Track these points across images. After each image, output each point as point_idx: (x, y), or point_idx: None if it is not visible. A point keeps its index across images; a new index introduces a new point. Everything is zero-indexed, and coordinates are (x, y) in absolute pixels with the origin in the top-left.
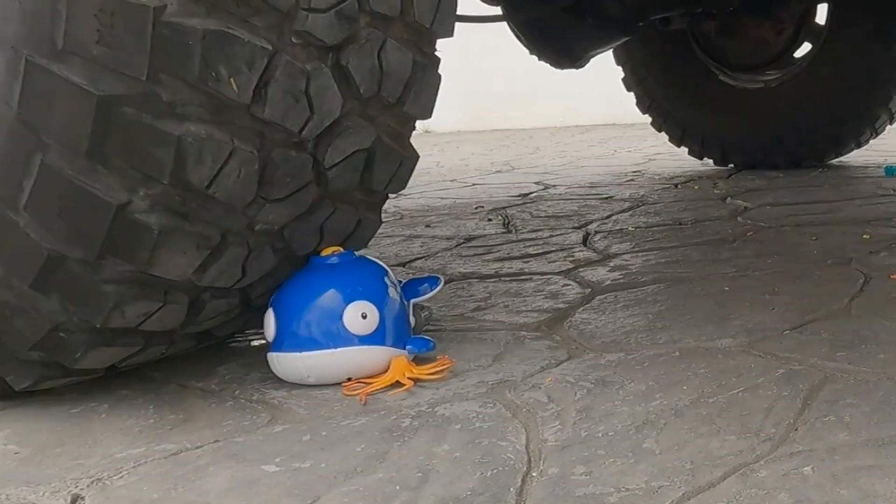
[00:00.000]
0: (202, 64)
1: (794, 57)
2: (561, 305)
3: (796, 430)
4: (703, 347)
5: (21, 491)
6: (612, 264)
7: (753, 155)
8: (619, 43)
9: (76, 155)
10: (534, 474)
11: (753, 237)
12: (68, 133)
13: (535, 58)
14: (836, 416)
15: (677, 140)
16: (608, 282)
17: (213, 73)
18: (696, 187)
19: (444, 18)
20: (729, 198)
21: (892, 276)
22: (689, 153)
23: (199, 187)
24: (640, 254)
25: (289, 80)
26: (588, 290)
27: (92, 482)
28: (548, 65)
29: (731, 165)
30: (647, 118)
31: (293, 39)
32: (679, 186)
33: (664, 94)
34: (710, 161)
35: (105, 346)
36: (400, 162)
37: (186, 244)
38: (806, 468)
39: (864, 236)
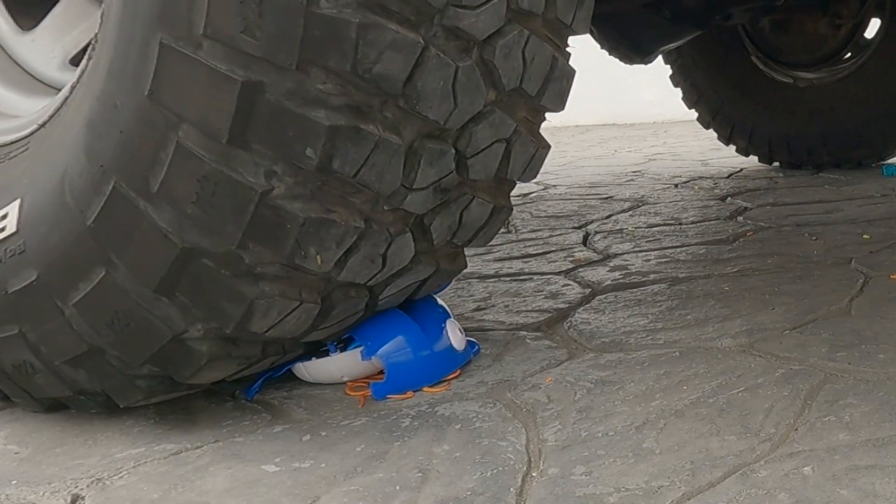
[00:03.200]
0: (354, 54)
1: (849, 55)
2: (561, 305)
3: (796, 430)
4: (703, 347)
5: (21, 491)
6: (612, 264)
7: (800, 154)
8: (689, 38)
9: (216, 140)
10: (534, 474)
11: (753, 237)
12: (207, 116)
13: None
14: (836, 416)
15: (725, 137)
16: (608, 282)
17: (363, 66)
18: (696, 187)
19: (583, 16)
20: (729, 198)
21: (892, 276)
22: (737, 150)
23: (346, 175)
24: (640, 254)
25: (436, 73)
26: (588, 290)
27: (92, 482)
28: (618, 60)
29: (777, 164)
30: (647, 119)
31: (442, 33)
32: (679, 186)
33: (713, 91)
34: (756, 158)
35: (226, 357)
36: (534, 152)
37: (330, 233)
38: (806, 468)
39: (864, 236)
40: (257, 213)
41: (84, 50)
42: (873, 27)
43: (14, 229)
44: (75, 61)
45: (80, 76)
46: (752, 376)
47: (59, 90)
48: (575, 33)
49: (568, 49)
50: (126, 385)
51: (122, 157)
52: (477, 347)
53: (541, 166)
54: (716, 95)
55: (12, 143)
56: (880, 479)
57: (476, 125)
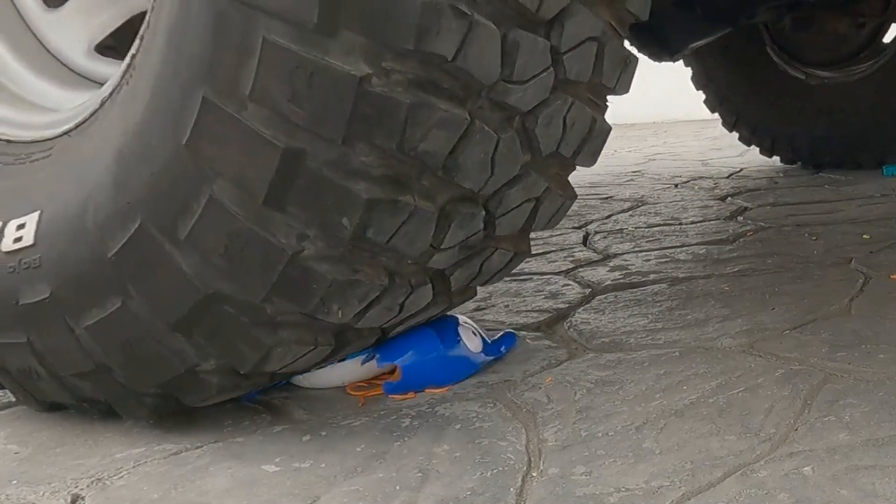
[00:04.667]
0: (402, 133)
1: (873, 53)
2: (561, 305)
3: (796, 430)
4: (703, 347)
5: (21, 491)
6: (612, 264)
7: (819, 154)
8: (718, 35)
9: (251, 199)
10: (534, 474)
11: (753, 237)
12: (244, 176)
13: None
14: (836, 416)
15: (746, 139)
16: (608, 282)
17: (410, 144)
18: (696, 187)
19: (627, 79)
20: (729, 198)
21: (892, 276)
22: (760, 152)
23: (378, 242)
24: (640, 254)
25: (478, 146)
26: (588, 290)
27: (92, 482)
28: (646, 57)
29: (799, 163)
30: (647, 119)
31: (488, 105)
32: (679, 186)
33: (735, 92)
34: (778, 158)
35: (234, 387)
36: (561, 204)
37: (356, 292)
38: (806, 468)
39: (864, 236)
40: (285, 272)
41: (112, 36)
42: (891, 33)
43: (31, 242)
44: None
45: (112, 92)
46: (752, 376)
47: (83, 79)
48: (616, 94)
49: (607, 105)
50: (132, 401)
51: (152, 199)
52: (511, 342)
53: (564, 216)
54: (737, 97)
55: (34, 142)
56: (880, 479)
57: (510, 188)
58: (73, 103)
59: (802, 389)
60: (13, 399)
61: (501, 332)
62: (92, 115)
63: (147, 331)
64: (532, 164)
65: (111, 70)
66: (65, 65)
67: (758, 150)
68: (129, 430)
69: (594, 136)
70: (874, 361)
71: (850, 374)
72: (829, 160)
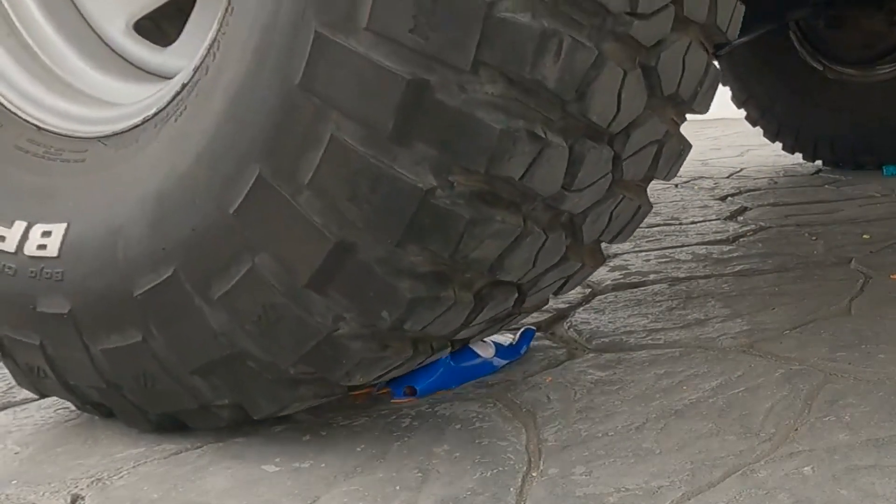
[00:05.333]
0: (457, 244)
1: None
2: (561, 305)
3: (796, 430)
4: (703, 347)
5: (21, 491)
6: (612, 264)
7: (843, 153)
8: (761, 32)
9: (292, 278)
10: (534, 474)
11: (754, 237)
12: (290, 257)
13: None
14: (836, 416)
15: (772, 135)
16: (608, 282)
17: (462, 253)
18: (696, 187)
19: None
20: (729, 198)
21: (892, 276)
22: (783, 148)
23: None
24: (640, 254)
25: (529, 246)
26: (588, 290)
27: (92, 482)
28: None
29: (820, 162)
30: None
31: (542, 208)
32: (679, 186)
33: (762, 89)
34: (800, 156)
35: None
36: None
37: (381, 364)
38: (806, 468)
39: (864, 236)
40: (317, 346)
41: (150, 18)
42: None
43: (55, 254)
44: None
45: (157, 114)
46: (752, 376)
47: (120, 60)
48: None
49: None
50: (139, 416)
51: (189, 252)
52: (529, 339)
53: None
54: (764, 95)
55: (65, 136)
56: (880, 479)
57: (547, 273)
58: (108, 90)
59: (802, 389)
60: (13, 399)
61: (520, 331)
62: (131, 129)
63: (164, 368)
64: (572, 250)
65: (146, 54)
66: (102, 39)
67: (799, 156)
68: (130, 430)
69: (635, 220)
70: (874, 361)
71: (850, 374)
72: (873, 161)
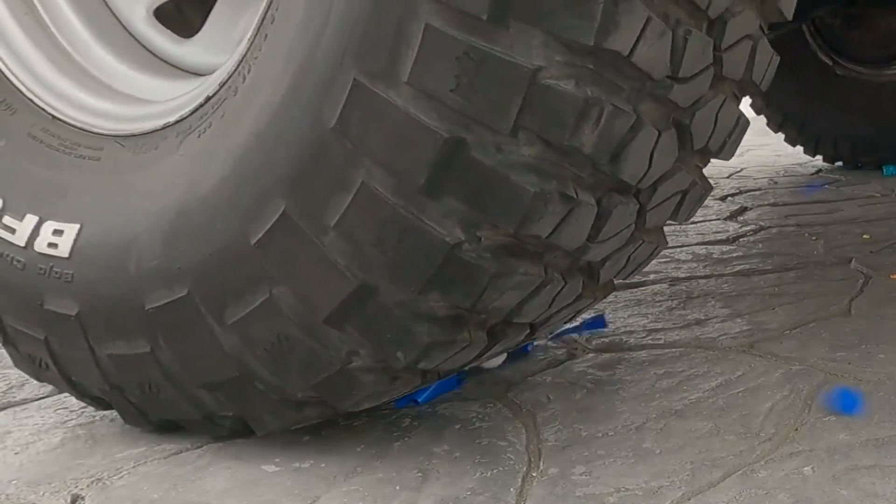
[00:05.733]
0: (479, 296)
1: None
2: None
3: (796, 430)
4: (703, 347)
5: (21, 491)
6: None
7: (845, 150)
8: (784, 31)
9: (311, 314)
10: (534, 474)
11: (754, 237)
12: (309, 293)
13: None
14: (836, 416)
15: (776, 125)
16: None
17: (483, 304)
18: None
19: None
20: (729, 198)
21: (892, 276)
22: (805, 151)
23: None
24: None
25: (548, 294)
26: None
27: (92, 482)
28: None
29: (839, 163)
30: None
31: (562, 256)
32: None
33: (782, 93)
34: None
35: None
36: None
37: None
38: (806, 468)
39: (865, 236)
40: (328, 377)
41: (173, 2)
42: None
43: (66, 255)
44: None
45: (180, 122)
46: (753, 376)
47: (140, 48)
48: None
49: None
50: (140, 418)
51: (205, 277)
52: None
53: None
54: (783, 98)
55: (80, 130)
56: (880, 479)
57: (560, 313)
58: (125, 81)
59: (802, 389)
60: (13, 399)
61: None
62: (150, 133)
63: (169, 380)
64: (587, 289)
65: (167, 44)
66: (121, 24)
67: (823, 158)
68: (130, 430)
69: (650, 259)
70: (874, 361)
71: (850, 374)
72: (874, 160)
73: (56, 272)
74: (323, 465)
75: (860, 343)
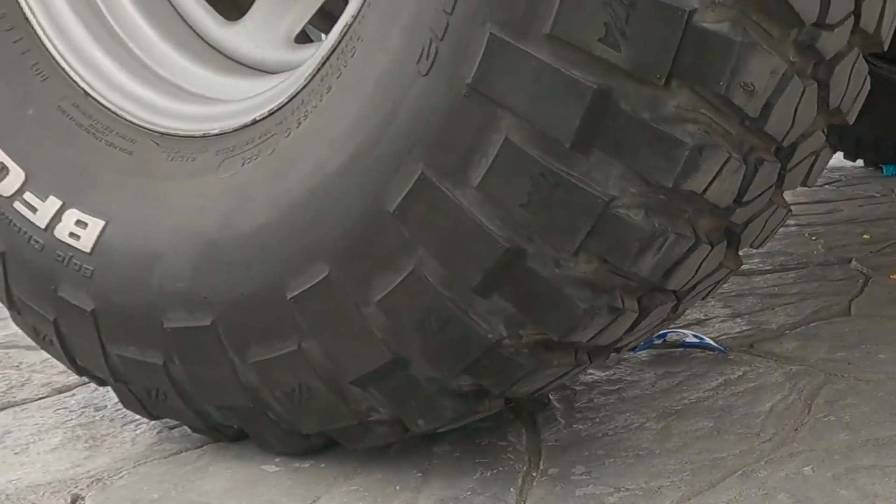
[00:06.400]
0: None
1: None
2: None
3: (796, 430)
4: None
5: (21, 491)
6: None
7: (888, 152)
8: None
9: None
10: (534, 474)
11: None
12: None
13: None
14: (836, 416)
15: (852, 153)
16: None
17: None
18: None
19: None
20: None
21: (892, 276)
22: (844, 156)
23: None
24: None
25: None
26: None
27: (92, 482)
28: None
29: (860, 162)
30: None
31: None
32: None
33: None
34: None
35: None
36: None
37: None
38: (806, 468)
39: (865, 236)
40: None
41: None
42: None
43: (87, 249)
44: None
45: (224, 133)
46: (753, 376)
47: (182, 22)
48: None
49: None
50: (140, 408)
51: (233, 309)
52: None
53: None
54: None
55: (113, 113)
56: (880, 479)
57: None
58: (164, 60)
59: (802, 389)
60: (13, 399)
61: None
62: (187, 139)
63: (178, 393)
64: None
65: (210, 25)
66: (196, 34)
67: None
68: (130, 430)
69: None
70: (874, 361)
71: (850, 374)
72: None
73: (75, 264)
74: (323, 465)
75: (860, 343)
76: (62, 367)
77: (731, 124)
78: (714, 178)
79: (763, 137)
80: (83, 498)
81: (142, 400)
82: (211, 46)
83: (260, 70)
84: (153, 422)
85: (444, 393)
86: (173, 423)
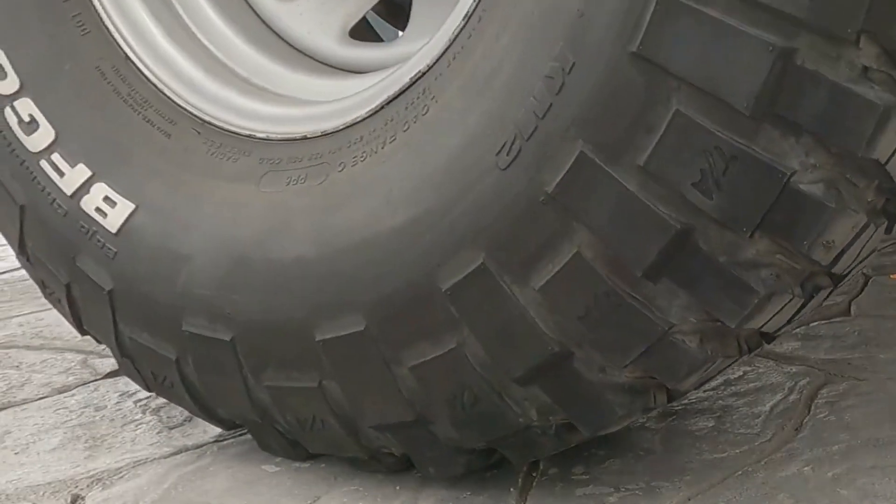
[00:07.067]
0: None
1: None
2: None
3: (796, 430)
4: None
5: (21, 491)
6: None
7: None
8: None
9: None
10: (534, 474)
11: None
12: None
13: None
14: (836, 416)
15: None
16: None
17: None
18: None
19: None
20: None
21: (892, 276)
22: None
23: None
24: None
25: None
26: None
27: (92, 482)
28: None
29: None
30: None
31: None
32: None
33: None
34: None
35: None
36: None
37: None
38: (806, 468)
39: None
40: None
41: None
42: None
43: (113, 230)
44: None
45: (269, 139)
46: (753, 376)
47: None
48: None
49: None
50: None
51: (253, 329)
52: None
53: None
54: None
55: (155, 87)
56: (880, 480)
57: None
58: (219, 41)
59: (803, 390)
60: (13, 399)
61: None
62: (229, 135)
63: (187, 388)
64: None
65: (282, 11)
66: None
67: None
68: (130, 430)
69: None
70: (874, 361)
71: (850, 374)
72: None
73: (98, 240)
74: (323, 465)
75: (860, 343)
76: (62, 367)
77: (803, 267)
78: (775, 314)
79: (830, 275)
80: (83, 498)
81: (146, 379)
82: (264, 23)
83: (311, 59)
84: (153, 421)
85: (460, 452)
86: (173, 423)
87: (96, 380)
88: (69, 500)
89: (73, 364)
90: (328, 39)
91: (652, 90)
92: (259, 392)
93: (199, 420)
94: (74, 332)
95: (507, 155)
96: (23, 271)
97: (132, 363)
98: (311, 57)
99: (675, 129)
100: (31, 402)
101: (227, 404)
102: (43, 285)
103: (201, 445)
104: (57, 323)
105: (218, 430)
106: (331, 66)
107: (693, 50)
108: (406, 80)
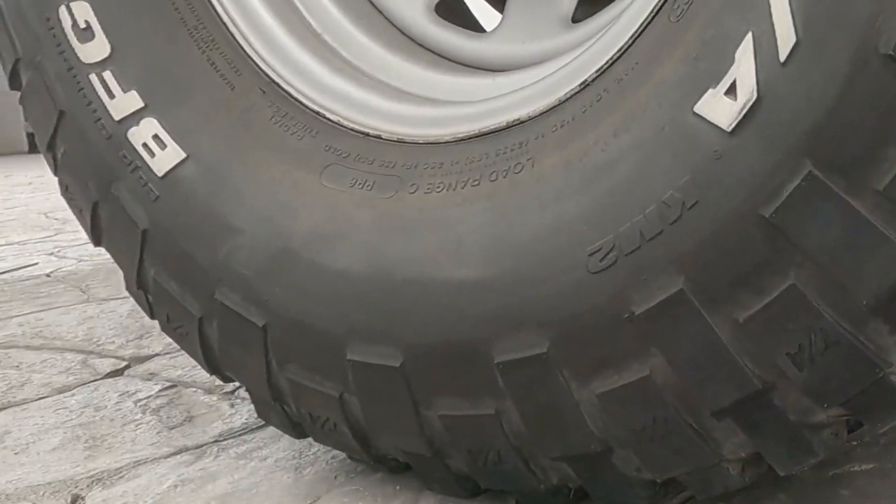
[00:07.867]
0: None
1: None
2: None
3: None
4: None
5: (21, 491)
6: None
7: None
8: None
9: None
10: None
11: None
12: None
13: None
14: None
15: None
16: None
17: None
18: None
19: None
20: None
21: None
22: None
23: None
24: None
25: None
26: None
27: (92, 482)
28: None
29: None
30: None
31: None
32: None
33: None
34: None
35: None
36: None
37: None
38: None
39: None
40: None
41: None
42: None
43: (159, 173)
44: None
45: (341, 153)
46: None
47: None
48: None
49: None
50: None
51: (289, 326)
52: None
53: None
54: None
55: (225, 28)
56: (880, 479)
57: None
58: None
59: None
60: (13, 399)
61: None
62: (303, 113)
63: (203, 346)
64: None
65: None
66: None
67: None
68: (130, 430)
69: None
70: None
71: None
72: None
73: (141, 178)
74: (323, 465)
75: None
76: (62, 367)
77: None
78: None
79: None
80: (83, 498)
81: (160, 320)
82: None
83: (400, 32)
84: (153, 421)
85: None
86: (173, 423)
87: (96, 380)
88: (69, 500)
89: (73, 364)
90: (414, 13)
91: (773, 257)
92: (280, 378)
93: (199, 420)
94: (74, 332)
95: (601, 261)
96: (23, 271)
97: (148, 300)
98: (397, 28)
99: (785, 300)
100: (31, 402)
101: (245, 375)
102: (66, 190)
103: (201, 445)
104: (57, 323)
105: (218, 430)
106: (417, 44)
107: (829, 235)
108: (502, 121)
